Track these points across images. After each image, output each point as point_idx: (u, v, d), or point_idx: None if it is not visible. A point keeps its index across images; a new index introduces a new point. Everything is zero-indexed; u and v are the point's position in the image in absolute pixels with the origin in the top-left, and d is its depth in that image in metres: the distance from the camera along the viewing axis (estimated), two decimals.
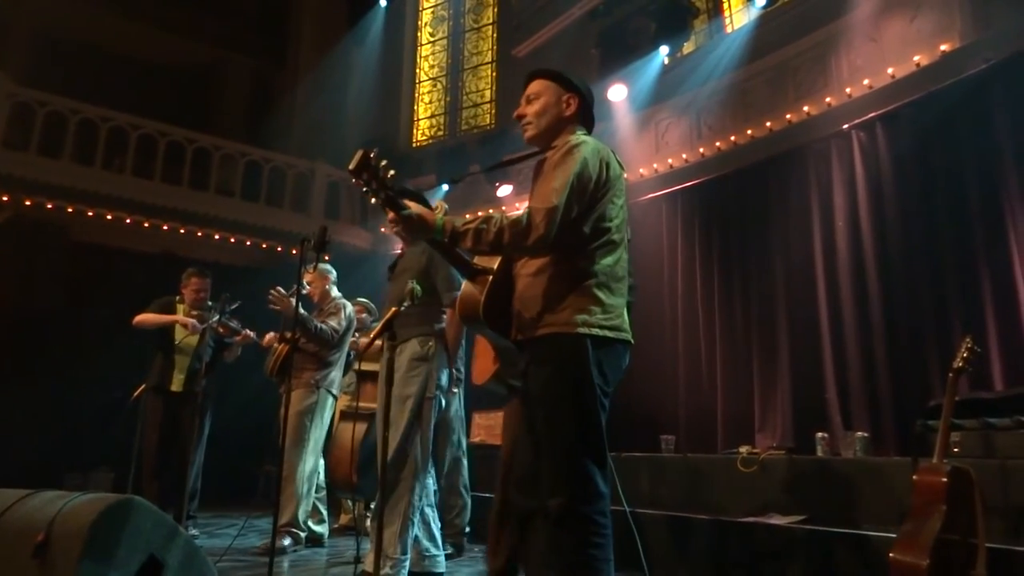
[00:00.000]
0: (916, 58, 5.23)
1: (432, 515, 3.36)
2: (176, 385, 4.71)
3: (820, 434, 4.50)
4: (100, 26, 9.80)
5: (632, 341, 2.00)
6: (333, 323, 4.37)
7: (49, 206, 8.04)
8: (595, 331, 1.89)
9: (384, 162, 1.93)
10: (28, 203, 7.95)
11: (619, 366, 1.97)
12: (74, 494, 2.01)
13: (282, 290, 4.11)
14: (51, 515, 1.88)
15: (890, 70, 5.37)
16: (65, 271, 8.17)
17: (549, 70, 2.13)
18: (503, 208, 7.58)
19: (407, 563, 3.08)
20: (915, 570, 2.38)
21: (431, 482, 3.41)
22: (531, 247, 1.92)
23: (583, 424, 1.85)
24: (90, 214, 8.25)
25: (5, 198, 7.83)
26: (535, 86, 2.12)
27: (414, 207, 1.97)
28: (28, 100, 8.17)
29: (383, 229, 3.50)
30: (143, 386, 4.63)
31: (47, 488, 2.15)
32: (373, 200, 1.93)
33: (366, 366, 4.03)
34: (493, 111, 10.03)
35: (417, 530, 3.17)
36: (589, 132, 2.14)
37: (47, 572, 1.80)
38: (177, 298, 4.93)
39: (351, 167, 1.89)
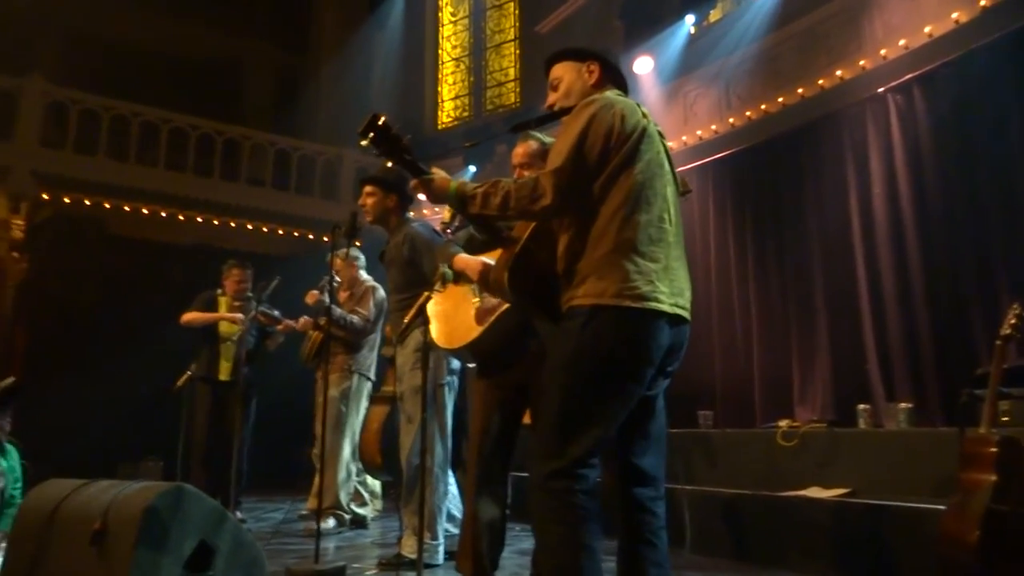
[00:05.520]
0: (954, 15, 5.03)
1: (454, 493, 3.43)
2: (224, 374, 4.84)
3: (862, 406, 4.43)
4: (125, 23, 9.92)
5: (667, 310, 1.79)
6: (363, 310, 4.44)
7: (87, 202, 8.24)
8: (611, 301, 1.75)
9: (398, 126, 1.95)
10: (67, 200, 8.15)
11: (640, 339, 1.77)
12: (126, 483, 2.07)
13: (315, 292, 4.21)
14: (106, 503, 1.94)
15: (927, 29, 5.18)
16: (105, 265, 8.37)
17: (562, 50, 2.11)
18: None
19: (441, 547, 3.16)
20: (964, 543, 2.34)
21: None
22: (539, 213, 1.85)
23: (566, 401, 1.77)
24: (127, 208, 8.44)
25: (45, 196, 8.04)
26: (555, 72, 2.10)
27: (436, 172, 1.98)
28: (62, 99, 8.34)
29: (368, 219, 3.47)
30: (187, 375, 4.75)
31: (102, 477, 2.22)
32: (389, 164, 1.96)
33: (390, 351, 4.10)
34: (518, 89, 9.95)
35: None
36: (624, 91, 2.07)
37: (105, 559, 1.87)
38: (219, 291, 5.05)
39: (359, 129, 1.93)
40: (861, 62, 5.57)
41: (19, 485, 3.16)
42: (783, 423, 4.52)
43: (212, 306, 4.97)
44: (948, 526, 2.43)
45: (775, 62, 6.22)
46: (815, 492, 3.66)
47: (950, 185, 4.80)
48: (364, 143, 1.94)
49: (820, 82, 5.83)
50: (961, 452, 2.57)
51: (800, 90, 5.96)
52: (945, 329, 4.65)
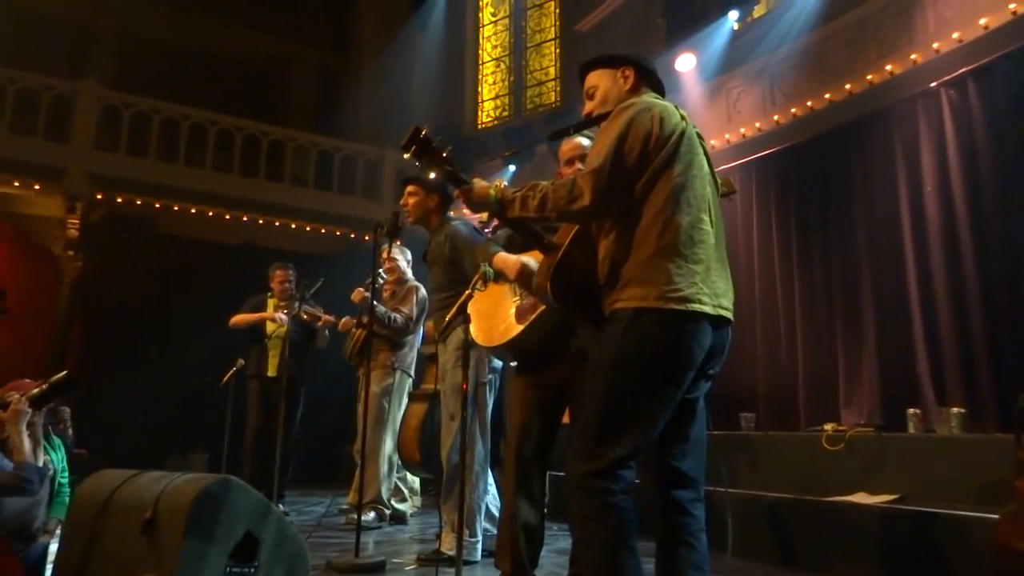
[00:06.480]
0: (1012, 6, 4.84)
1: (492, 491, 3.43)
2: (271, 370, 5.01)
3: (912, 410, 4.30)
4: (175, 28, 10.23)
5: (710, 312, 1.78)
6: (405, 309, 4.49)
7: (139, 202, 8.51)
8: (654, 304, 1.75)
9: (439, 138, 1.98)
10: (120, 200, 8.43)
11: (683, 341, 1.76)
12: (175, 474, 2.13)
13: (361, 289, 4.29)
14: (156, 494, 1.99)
15: (983, 20, 5.00)
16: (156, 263, 8.65)
17: (595, 59, 2.10)
18: None
19: (479, 544, 3.18)
20: (1021, 553, 2.26)
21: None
22: (577, 214, 1.84)
23: (608, 402, 1.76)
24: (176, 208, 8.69)
25: (99, 196, 8.33)
26: (590, 80, 2.09)
27: (476, 182, 1.99)
28: (116, 103, 8.62)
29: (409, 219, 3.50)
30: (232, 370, 4.88)
31: (151, 468, 2.29)
32: (432, 176, 1.97)
33: (430, 349, 4.12)
34: (558, 89, 9.93)
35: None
36: (661, 94, 2.06)
37: (155, 547, 1.92)
38: (268, 293, 5.23)
39: (402, 143, 1.96)
40: (912, 56, 5.41)
41: (66, 475, 3.28)
42: (828, 426, 4.42)
43: (261, 308, 5.16)
44: (1004, 536, 2.34)
45: (822, 57, 6.08)
46: (862, 498, 3.57)
47: (1007, 182, 4.63)
48: (407, 156, 1.96)
49: (869, 77, 5.68)
50: (1018, 459, 2.47)
51: (848, 86, 5.81)
52: (1000, 331, 4.48)
